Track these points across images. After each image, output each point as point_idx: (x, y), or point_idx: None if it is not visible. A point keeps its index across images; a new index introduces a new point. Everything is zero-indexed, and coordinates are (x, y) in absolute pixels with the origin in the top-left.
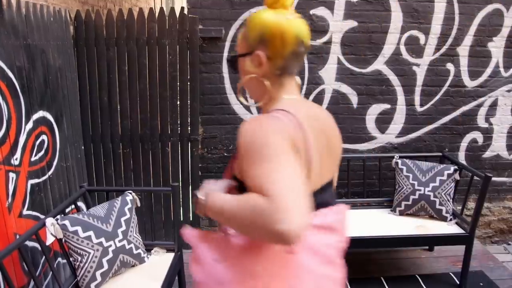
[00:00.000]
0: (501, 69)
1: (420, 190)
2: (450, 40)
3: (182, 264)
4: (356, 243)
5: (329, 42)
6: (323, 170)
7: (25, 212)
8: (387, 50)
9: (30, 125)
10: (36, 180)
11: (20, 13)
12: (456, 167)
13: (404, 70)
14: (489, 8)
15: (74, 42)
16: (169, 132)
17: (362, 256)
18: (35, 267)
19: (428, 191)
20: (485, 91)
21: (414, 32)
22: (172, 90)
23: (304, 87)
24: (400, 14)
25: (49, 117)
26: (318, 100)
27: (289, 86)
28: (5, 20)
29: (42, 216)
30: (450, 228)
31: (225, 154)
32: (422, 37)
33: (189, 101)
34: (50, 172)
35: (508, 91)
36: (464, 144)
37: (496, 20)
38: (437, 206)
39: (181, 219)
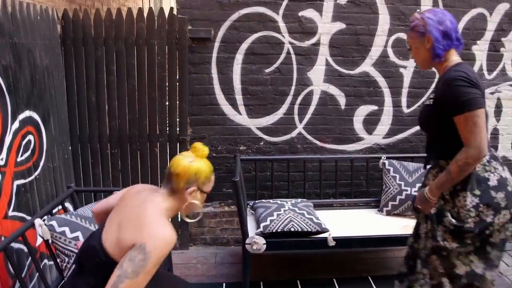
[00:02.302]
0: (485, 72)
1: (406, 190)
2: None
3: (171, 265)
4: (343, 243)
5: (317, 44)
6: None
7: (10, 213)
8: (375, 52)
9: (16, 125)
10: (22, 181)
11: (6, 11)
12: None
13: (391, 72)
14: (473, 12)
15: (62, 41)
16: (158, 132)
17: (350, 256)
18: (20, 269)
19: (415, 191)
20: None
21: (401, 35)
22: (161, 91)
23: (293, 88)
24: (388, 17)
25: (36, 117)
26: (306, 101)
27: None
28: None
29: (28, 217)
30: None
31: (214, 155)
32: None
33: (178, 102)
34: (36, 173)
35: (492, 93)
36: None
37: (480, 24)
38: None
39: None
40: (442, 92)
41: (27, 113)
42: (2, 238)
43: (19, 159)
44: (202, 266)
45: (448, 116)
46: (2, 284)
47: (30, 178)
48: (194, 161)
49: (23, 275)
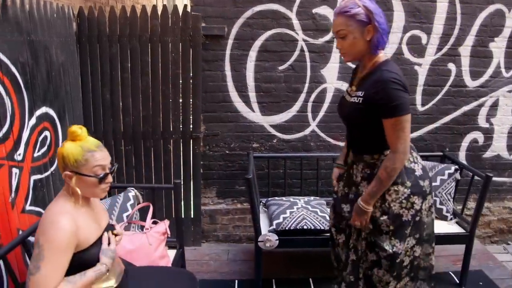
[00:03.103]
0: (503, 70)
1: None
2: (452, 40)
3: (184, 261)
4: None
5: (331, 41)
6: None
7: (27, 207)
8: (389, 49)
9: (33, 121)
10: (38, 176)
11: (24, 9)
12: (456, 166)
13: (406, 69)
14: (491, 8)
15: (77, 38)
16: (171, 129)
17: None
18: None
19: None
20: (486, 91)
21: (416, 32)
22: (174, 88)
23: (306, 85)
24: (403, 13)
25: (52, 113)
26: (320, 98)
27: None
28: (9, 16)
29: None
30: (451, 227)
31: (227, 152)
32: (424, 37)
33: (191, 99)
34: (52, 168)
35: (509, 91)
36: (465, 144)
37: (498, 21)
38: (438, 206)
39: (183, 216)
40: (375, 91)
41: (43, 109)
42: (20, 232)
43: (35, 155)
44: (214, 263)
45: (375, 115)
46: (20, 276)
47: (46, 174)
48: (62, 146)
49: None
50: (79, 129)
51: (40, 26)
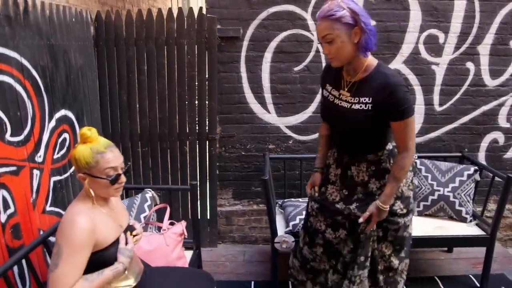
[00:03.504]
0: None
1: (439, 190)
2: (470, 39)
3: (201, 262)
4: None
5: None
6: None
7: (48, 208)
8: (406, 49)
9: (53, 123)
10: (58, 177)
11: (44, 14)
12: (476, 167)
13: (423, 69)
14: (511, 5)
15: (95, 42)
16: (187, 131)
17: None
18: None
19: (448, 191)
20: (506, 90)
21: (433, 31)
22: (190, 90)
23: None
24: (419, 12)
25: (71, 115)
26: None
27: None
28: (30, 21)
29: (64, 213)
30: (470, 229)
31: (243, 153)
32: (441, 36)
33: (207, 101)
34: (71, 170)
35: None
36: (484, 144)
37: None
38: (457, 207)
39: (199, 218)
40: (385, 97)
41: (62, 112)
42: (41, 232)
43: (55, 157)
44: (230, 264)
45: (383, 118)
46: (41, 275)
47: (65, 175)
48: (74, 149)
49: None
50: (88, 131)
51: (60, 31)
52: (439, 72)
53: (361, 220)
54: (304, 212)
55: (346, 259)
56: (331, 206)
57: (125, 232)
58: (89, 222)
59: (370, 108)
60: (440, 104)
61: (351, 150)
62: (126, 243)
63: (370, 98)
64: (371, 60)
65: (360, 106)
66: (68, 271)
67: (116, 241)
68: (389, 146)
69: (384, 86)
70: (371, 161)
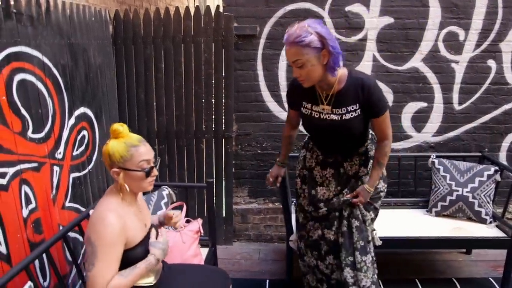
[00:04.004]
0: None
1: (457, 190)
2: (492, 36)
3: (216, 259)
4: (390, 243)
5: (364, 39)
6: None
7: (67, 204)
8: (425, 47)
9: (72, 120)
10: (77, 174)
11: (65, 14)
12: (496, 167)
13: (442, 67)
14: None
15: (113, 41)
16: (204, 128)
17: (396, 257)
18: (76, 256)
19: (467, 192)
20: None
21: (453, 28)
22: (207, 87)
23: None
24: (439, 9)
25: (90, 113)
26: None
27: None
28: (51, 20)
29: (82, 209)
30: (490, 231)
31: (259, 152)
32: (461, 33)
33: (223, 99)
34: (90, 167)
35: None
36: (505, 144)
37: None
38: (476, 208)
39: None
40: (366, 99)
41: (81, 110)
42: (61, 227)
43: (74, 153)
44: (245, 262)
45: (367, 117)
46: (61, 269)
47: (84, 172)
48: (106, 143)
49: (78, 261)
50: (120, 127)
51: (79, 30)
52: (459, 70)
53: (348, 196)
54: None
55: (345, 249)
56: (326, 202)
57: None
58: (119, 219)
59: (359, 113)
60: (460, 103)
61: (344, 151)
62: (157, 237)
63: (357, 104)
64: (342, 70)
65: (352, 115)
66: (105, 268)
67: (143, 241)
68: (369, 134)
69: (363, 90)
70: (361, 153)
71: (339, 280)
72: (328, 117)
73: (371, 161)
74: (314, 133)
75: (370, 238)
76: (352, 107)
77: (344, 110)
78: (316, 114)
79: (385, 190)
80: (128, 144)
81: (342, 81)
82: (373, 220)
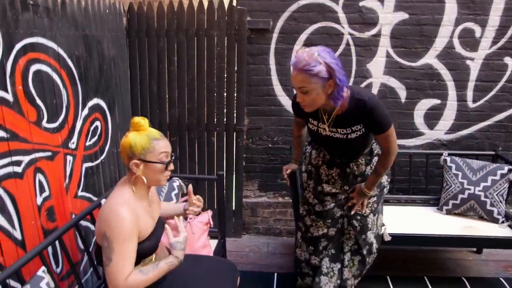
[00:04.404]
0: None
1: (469, 189)
2: (509, 33)
3: (225, 251)
4: (400, 240)
5: (378, 35)
6: None
7: (79, 193)
8: (439, 43)
9: (85, 111)
10: (89, 164)
11: (80, 6)
12: (510, 167)
13: (456, 64)
14: None
15: (127, 33)
16: (215, 122)
17: (405, 254)
18: (88, 245)
19: (479, 190)
20: None
21: (469, 24)
22: (219, 81)
23: (351, 80)
24: (455, 5)
25: (103, 104)
26: None
27: None
28: (67, 12)
29: (94, 198)
30: (502, 230)
31: (270, 146)
32: (478, 30)
33: (235, 92)
34: (102, 157)
35: None
36: None
37: None
38: (488, 207)
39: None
40: (369, 119)
41: (95, 101)
42: (73, 215)
43: (87, 144)
44: (254, 255)
45: (369, 132)
46: (73, 256)
47: (96, 162)
48: (126, 135)
49: (90, 249)
50: (142, 120)
51: (94, 22)
52: (474, 67)
53: (347, 206)
54: None
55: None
56: (332, 196)
57: (158, 224)
58: (131, 211)
59: (364, 131)
60: (474, 101)
61: (349, 156)
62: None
63: (360, 124)
64: (345, 93)
65: (356, 134)
66: (122, 262)
67: (151, 236)
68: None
69: (365, 111)
70: (366, 153)
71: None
72: (334, 135)
73: (376, 157)
74: (321, 144)
75: (371, 240)
76: (356, 127)
77: (349, 130)
78: (323, 131)
79: (388, 185)
80: (150, 137)
81: (345, 103)
82: (378, 217)
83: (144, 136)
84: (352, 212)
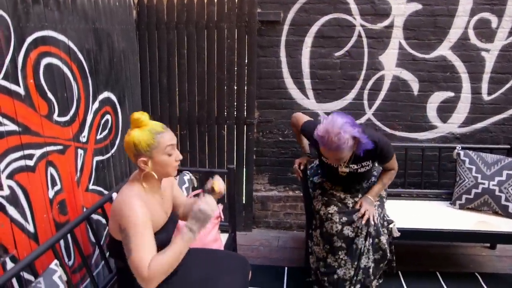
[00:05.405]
0: None
1: (483, 183)
2: None
3: (236, 245)
4: (412, 235)
5: (390, 26)
6: None
7: (91, 186)
8: (453, 34)
9: (96, 105)
10: (100, 157)
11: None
12: None
13: (471, 56)
14: None
15: (137, 26)
16: (226, 115)
17: (417, 249)
18: (99, 238)
19: (493, 185)
20: None
21: (486, 15)
22: (229, 74)
23: (363, 72)
24: None
25: (113, 97)
26: (377, 86)
27: None
28: (77, 5)
29: (105, 192)
30: None
31: (280, 139)
32: (494, 20)
33: (246, 85)
34: (113, 151)
35: None
36: None
37: None
38: (503, 202)
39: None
40: (377, 155)
41: (105, 94)
42: (84, 209)
43: (98, 137)
44: (264, 249)
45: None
46: (84, 249)
47: (107, 155)
48: (129, 133)
49: (101, 243)
50: (142, 115)
51: (104, 15)
52: (490, 59)
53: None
54: None
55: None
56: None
57: (171, 220)
58: (143, 204)
59: (371, 166)
60: (489, 93)
61: (351, 185)
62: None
63: (370, 160)
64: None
65: (365, 168)
66: (142, 251)
67: (163, 229)
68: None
69: (377, 151)
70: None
71: (342, 278)
72: (342, 170)
73: (374, 177)
74: (327, 175)
75: (385, 247)
76: (366, 163)
77: (359, 165)
78: (334, 165)
79: (386, 195)
80: (153, 131)
81: (359, 146)
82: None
83: (147, 132)
84: (363, 222)
